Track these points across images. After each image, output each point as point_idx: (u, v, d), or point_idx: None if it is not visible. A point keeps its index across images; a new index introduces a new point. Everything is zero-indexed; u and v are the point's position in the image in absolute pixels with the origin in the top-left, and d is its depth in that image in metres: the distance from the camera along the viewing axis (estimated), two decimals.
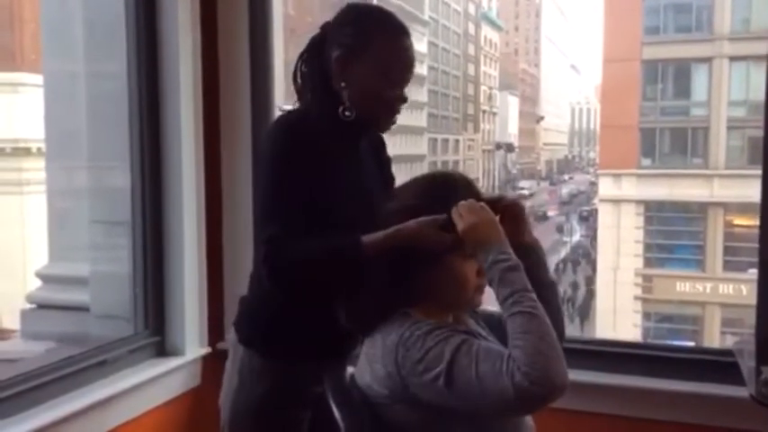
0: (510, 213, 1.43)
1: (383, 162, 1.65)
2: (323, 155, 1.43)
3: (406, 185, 1.48)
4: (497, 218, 1.37)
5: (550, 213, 33.95)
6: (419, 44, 38.05)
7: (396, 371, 1.28)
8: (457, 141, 41.23)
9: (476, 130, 43.84)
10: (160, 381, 2.19)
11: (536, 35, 59.19)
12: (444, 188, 1.41)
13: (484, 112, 45.57)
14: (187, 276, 2.27)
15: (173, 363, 2.24)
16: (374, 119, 1.51)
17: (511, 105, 50.27)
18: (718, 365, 2.05)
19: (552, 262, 24.81)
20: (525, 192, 41.05)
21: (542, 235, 30.15)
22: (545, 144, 56.19)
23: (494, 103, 47.18)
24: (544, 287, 1.43)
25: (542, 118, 55.17)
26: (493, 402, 1.20)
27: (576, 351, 2.15)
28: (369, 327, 1.39)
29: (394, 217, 1.39)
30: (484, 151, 44.19)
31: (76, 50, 2.32)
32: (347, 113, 1.46)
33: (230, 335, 1.58)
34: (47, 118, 2.48)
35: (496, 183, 44.37)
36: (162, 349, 2.27)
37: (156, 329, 2.26)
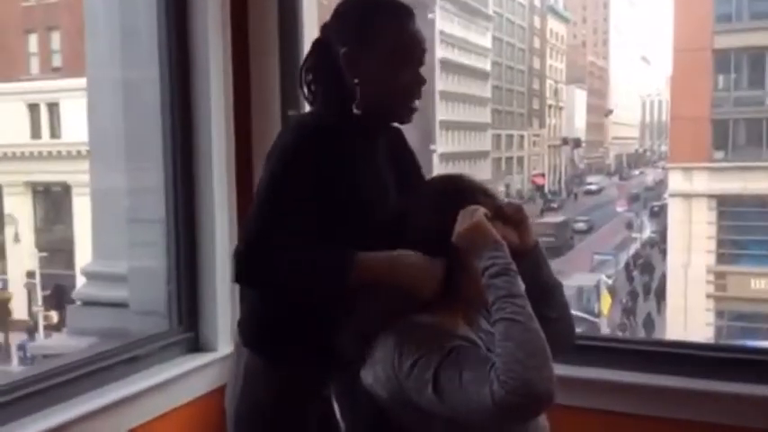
0: (514, 220, 1.41)
1: (406, 158, 1.60)
2: (338, 157, 1.39)
3: (417, 196, 1.45)
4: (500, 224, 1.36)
5: (619, 209, 33.11)
6: (483, 39, 37.73)
7: (393, 374, 1.27)
8: (522, 137, 40.71)
9: (541, 125, 43.21)
10: (192, 376, 2.21)
11: (604, 26, 57.85)
12: (456, 201, 1.38)
13: (550, 106, 44.84)
14: (219, 273, 2.29)
15: (205, 358, 2.26)
16: (393, 109, 1.47)
17: (578, 99, 49.27)
18: None
19: (621, 260, 24.22)
20: (593, 187, 40.25)
21: (611, 232, 29.46)
22: (614, 138, 54.89)
23: (560, 97, 46.35)
24: (548, 288, 1.40)
25: (611, 111, 53.90)
26: (477, 412, 1.17)
27: (642, 352, 2.11)
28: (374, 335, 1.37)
29: (401, 236, 1.38)
30: (550, 147, 43.50)
31: (114, 57, 2.39)
32: (357, 111, 1.42)
33: (235, 335, 1.58)
34: (90, 122, 2.56)
35: (563, 178, 43.63)
36: (195, 345, 2.30)
37: (189, 325, 2.30)
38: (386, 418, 1.33)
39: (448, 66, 34.70)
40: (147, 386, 2.08)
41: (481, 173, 35.83)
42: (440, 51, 34.47)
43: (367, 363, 1.37)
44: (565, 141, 44.82)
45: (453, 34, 35.07)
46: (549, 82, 44.65)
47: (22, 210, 19.73)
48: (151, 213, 2.36)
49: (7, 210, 20.05)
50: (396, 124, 1.56)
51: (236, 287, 2.35)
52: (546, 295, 1.44)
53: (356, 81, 1.43)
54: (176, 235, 2.27)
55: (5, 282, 19.28)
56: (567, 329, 1.47)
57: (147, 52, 2.24)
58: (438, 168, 33.64)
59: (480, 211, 1.31)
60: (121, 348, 2.13)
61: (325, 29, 1.49)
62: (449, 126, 34.50)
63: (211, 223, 2.29)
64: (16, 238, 19.67)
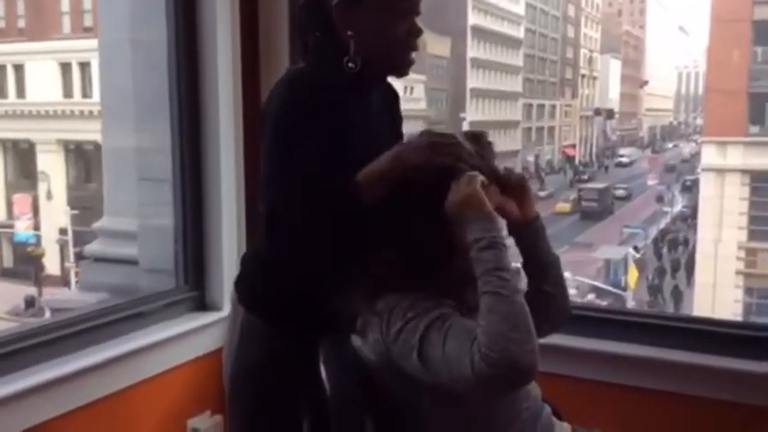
0: (515, 190, 1.40)
1: (396, 118, 1.59)
2: (333, 112, 1.37)
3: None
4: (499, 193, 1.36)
5: (651, 182, 32.65)
6: (516, 6, 37.11)
7: (381, 338, 1.27)
8: (553, 107, 40.15)
9: (574, 95, 42.54)
10: (197, 334, 2.24)
11: None
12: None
13: (583, 76, 44.08)
14: (225, 232, 2.31)
15: (211, 317, 2.29)
16: (389, 62, 1.44)
17: (612, 69, 48.33)
18: None
19: (651, 234, 23.94)
20: (624, 160, 39.67)
21: (642, 205, 29.10)
22: (648, 110, 53.89)
23: (594, 66, 45.52)
24: (547, 262, 1.40)
25: (646, 82, 52.84)
26: (458, 381, 1.17)
27: (670, 328, 2.07)
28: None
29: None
30: (582, 117, 42.87)
31: (124, 19, 2.39)
32: (351, 65, 1.39)
33: (232, 294, 1.59)
34: (101, 82, 2.58)
35: (594, 150, 43.05)
36: (201, 304, 2.33)
37: (195, 284, 2.32)
38: (373, 381, 1.33)
39: (480, 33, 34.23)
40: (152, 341, 2.12)
41: (511, 142, 35.53)
42: (472, 18, 34.01)
43: (358, 325, 1.37)
44: (597, 112, 44.11)
45: (486, 0, 34.54)
46: (582, 51, 43.84)
47: (55, 167, 20.22)
48: (160, 173, 2.37)
49: (40, 167, 20.44)
50: (391, 79, 1.53)
51: (243, 247, 2.38)
52: (543, 270, 1.43)
53: (350, 34, 1.39)
54: (183, 195, 2.29)
55: (39, 238, 19.75)
56: (563, 304, 1.47)
57: (156, 13, 2.24)
58: None
59: (477, 180, 1.29)
60: (128, 304, 2.17)
61: None
62: (479, 94, 34.14)
63: (218, 184, 2.29)
64: (49, 195, 20.03)
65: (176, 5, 2.22)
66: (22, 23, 21.94)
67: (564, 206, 27.05)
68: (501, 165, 1.44)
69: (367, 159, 1.36)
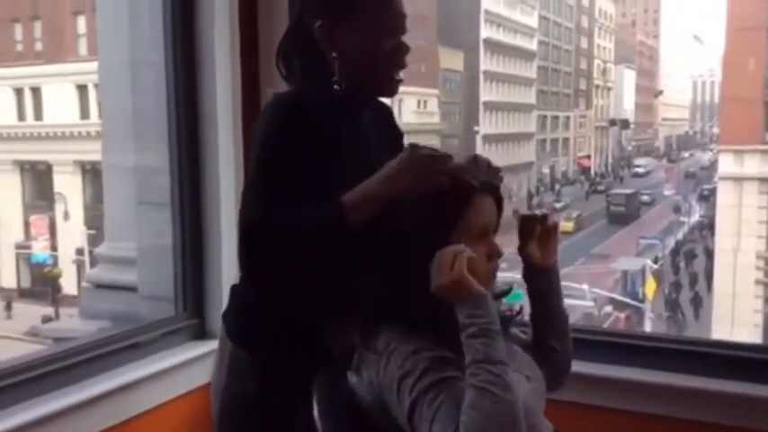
0: (544, 234, 1.36)
1: (393, 134, 1.53)
2: (319, 135, 1.32)
3: None
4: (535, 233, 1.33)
5: (667, 192, 32.37)
6: (529, 18, 37.09)
7: (376, 380, 1.21)
8: (567, 118, 40.01)
9: (588, 106, 42.39)
10: (197, 363, 2.17)
11: (655, 4, 56.25)
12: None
13: (597, 87, 43.94)
14: (225, 258, 2.25)
15: (210, 346, 2.20)
16: (376, 82, 1.39)
17: (627, 79, 48.12)
18: None
19: (668, 245, 23.72)
20: (640, 170, 39.41)
21: (659, 215, 28.89)
22: (664, 119, 53.56)
23: (608, 77, 45.35)
24: (557, 318, 1.34)
25: (661, 92, 52.54)
26: None
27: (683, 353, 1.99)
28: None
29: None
30: (597, 128, 42.69)
31: (123, 41, 2.37)
32: (336, 86, 1.35)
33: (220, 327, 1.53)
34: (102, 103, 2.54)
35: (610, 160, 42.83)
36: (201, 332, 2.27)
37: (194, 312, 2.27)
38: (367, 420, 1.26)
39: (492, 45, 34.22)
40: (150, 373, 2.05)
41: (526, 154, 35.41)
42: (484, 31, 34.02)
43: (353, 361, 1.30)
44: (612, 122, 43.93)
45: (499, 13, 34.54)
46: (596, 62, 43.71)
47: (71, 188, 20.33)
48: (159, 196, 2.32)
49: (57, 188, 20.62)
50: (384, 99, 1.49)
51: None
52: (553, 324, 1.39)
53: (335, 55, 1.35)
54: (182, 218, 2.24)
55: (56, 258, 19.85)
56: (566, 364, 1.43)
57: (154, 35, 2.21)
58: (480, 150, 33.37)
59: (462, 262, 1.19)
60: (125, 334, 2.11)
61: (299, 5, 1.41)
62: (493, 107, 34.07)
63: (218, 207, 2.24)
64: (66, 216, 20.19)
65: (174, 27, 2.19)
66: (38, 46, 22.26)
67: (566, 225, 26.24)
68: (539, 210, 1.47)
69: (357, 180, 1.32)
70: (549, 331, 1.37)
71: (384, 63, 1.37)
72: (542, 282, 1.36)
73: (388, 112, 1.54)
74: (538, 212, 1.38)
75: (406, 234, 1.27)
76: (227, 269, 2.26)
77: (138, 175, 2.41)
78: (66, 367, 1.92)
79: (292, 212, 1.26)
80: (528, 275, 1.37)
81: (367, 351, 1.24)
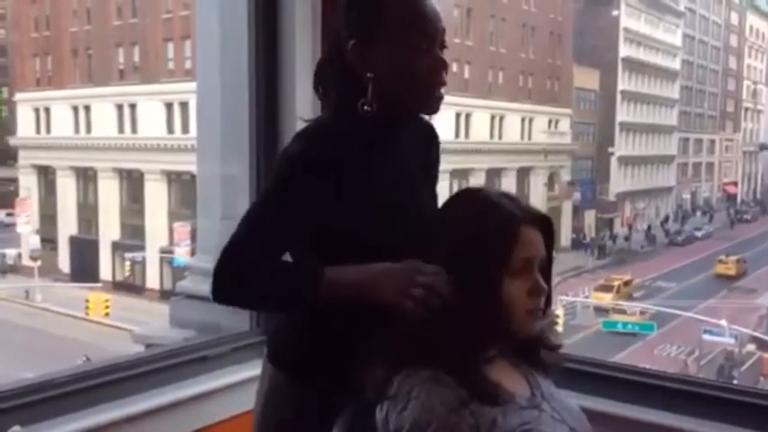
0: None
1: (432, 161, 1.48)
2: (347, 164, 1.29)
3: (441, 223, 1.29)
4: None
5: None
6: (673, 37, 35.48)
7: (385, 419, 1.17)
8: (712, 142, 37.87)
9: (735, 129, 39.95)
10: None
11: None
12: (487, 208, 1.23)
13: (746, 109, 41.34)
14: None
15: None
16: (415, 99, 1.33)
17: None
18: None
19: None
20: None
21: None
22: None
23: (758, 99, 42.58)
24: None
25: None
26: None
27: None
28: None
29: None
30: (744, 153, 40.10)
31: (214, 63, 2.45)
32: (366, 108, 1.30)
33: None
34: (198, 123, 2.64)
35: (758, 188, 40.06)
36: None
37: (267, 328, 2.27)
38: None
39: (631, 64, 33.01)
40: (218, 386, 2.07)
41: (664, 179, 33.77)
42: (623, 49, 32.89)
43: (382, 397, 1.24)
44: (762, 147, 41.14)
45: (639, 31, 33.30)
46: (746, 83, 41.16)
47: (158, 194, 24.11)
48: (240, 212, 2.36)
49: (147, 194, 23.95)
50: (426, 117, 1.43)
51: None
52: None
53: (369, 76, 1.30)
54: None
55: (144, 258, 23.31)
56: None
57: (239, 58, 2.27)
58: (615, 173, 32.16)
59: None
60: (195, 346, 2.15)
61: (334, 27, 1.38)
62: (629, 128, 32.81)
63: None
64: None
65: (258, 49, 2.25)
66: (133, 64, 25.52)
67: (728, 267, 24.53)
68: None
69: (391, 202, 1.31)
70: None
71: (421, 81, 1.31)
72: None
73: (433, 135, 1.48)
74: None
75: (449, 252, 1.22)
76: None
77: (223, 191, 2.46)
78: (134, 376, 1.97)
79: (272, 265, 1.28)
80: None
81: (384, 392, 1.18)
